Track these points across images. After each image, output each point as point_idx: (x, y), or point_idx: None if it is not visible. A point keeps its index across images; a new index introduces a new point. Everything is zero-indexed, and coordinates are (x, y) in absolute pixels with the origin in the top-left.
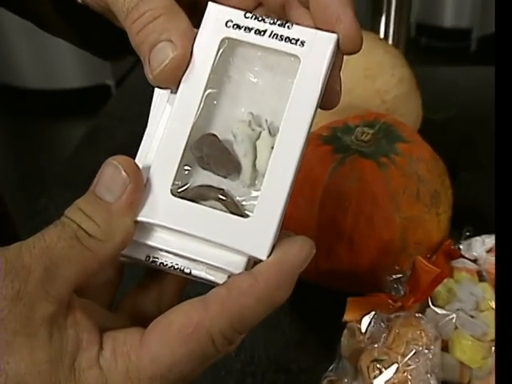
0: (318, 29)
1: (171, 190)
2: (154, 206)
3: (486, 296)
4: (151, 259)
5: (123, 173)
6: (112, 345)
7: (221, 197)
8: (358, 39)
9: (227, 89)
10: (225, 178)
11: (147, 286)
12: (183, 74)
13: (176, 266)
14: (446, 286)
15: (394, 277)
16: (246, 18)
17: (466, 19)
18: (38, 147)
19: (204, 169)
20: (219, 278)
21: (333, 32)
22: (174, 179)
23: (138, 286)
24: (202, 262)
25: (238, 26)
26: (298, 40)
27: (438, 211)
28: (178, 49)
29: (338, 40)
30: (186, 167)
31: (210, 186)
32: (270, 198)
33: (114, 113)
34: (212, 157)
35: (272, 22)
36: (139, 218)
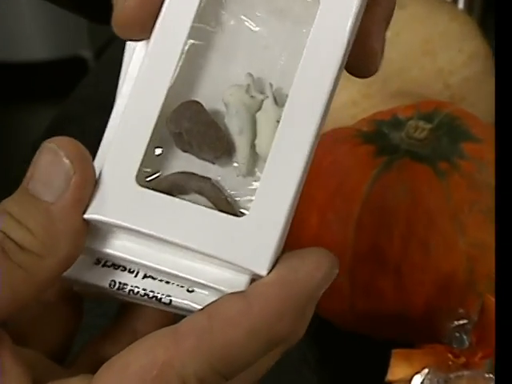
0: None
1: (136, 178)
2: (110, 200)
3: None
4: (116, 285)
5: (65, 160)
6: None
7: (205, 188)
8: None
9: (217, 41)
10: (212, 163)
11: (117, 330)
12: (157, 19)
13: (151, 294)
14: None
15: (456, 323)
16: None
17: None
18: None
19: (183, 150)
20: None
21: None
22: (141, 164)
23: (103, 333)
24: (184, 280)
25: None
26: None
27: None
28: None
29: None
30: (159, 148)
31: (192, 174)
32: (272, 190)
33: (87, 96)
34: (195, 133)
35: None
36: (87, 216)
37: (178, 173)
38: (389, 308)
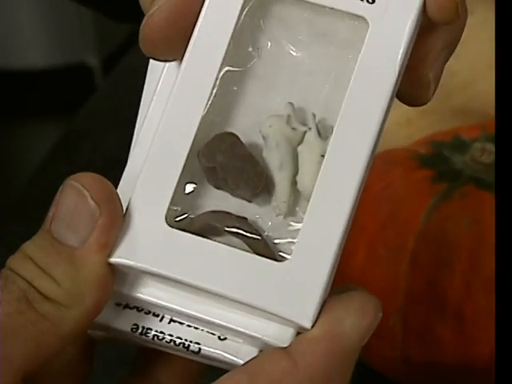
0: None
1: (166, 218)
2: (137, 242)
3: None
4: (139, 329)
5: (90, 201)
6: None
7: (242, 230)
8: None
9: (255, 67)
10: (249, 201)
11: (139, 378)
12: (189, 42)
13: (178, 341)
14: None
15: None
16: None
17: None
18: None
19: (217, 187)
20: (244, 357)
21: None
22: (171, 203)
23: (123, 381)
24: (215, 327)
25: None
26: None
27: None
28: None
29: None
30: (190, 184)
31: (226, 213)
32: (317, 233)
33: (99, 110)
34: (230, 168)
35: None
36: (113, 260)
37: (211, 212)
38: (448, 357)
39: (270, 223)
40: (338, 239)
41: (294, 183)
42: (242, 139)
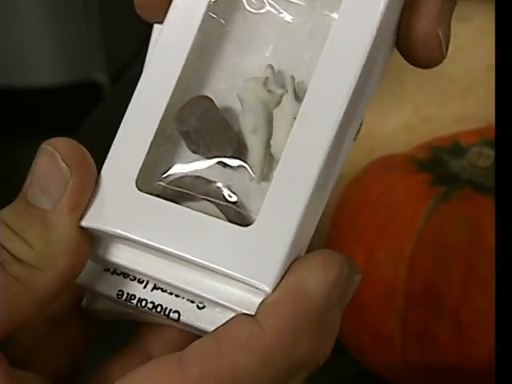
0: None
1: (137, 182)
2: (108, 206)
3: None
4: (124, 296)
5: (61, 163)
6: None
7: (213, 196)
8: None
9: (236, 28)
10: (223, 165)
11: (130, 354)
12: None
13: (159, 308)
14: None
15: None
16: None
17: None
18: None
19: (193, 151)
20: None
21: None
22: (144, 166)
23: (115, 356)
24: (194, 296)
25: None
26: None
27: None
28: None
29: None
30: (163, 147)
31: (199, 178)
32: (283, 196)
33: (105, 120)
34: (202, 133)
35: None
36: (83, 223)
37: (185, 176)
38: (446, 359)
39: (243, 188)
40: (305, 201)
41: (268, 147)
42: (218, 103)
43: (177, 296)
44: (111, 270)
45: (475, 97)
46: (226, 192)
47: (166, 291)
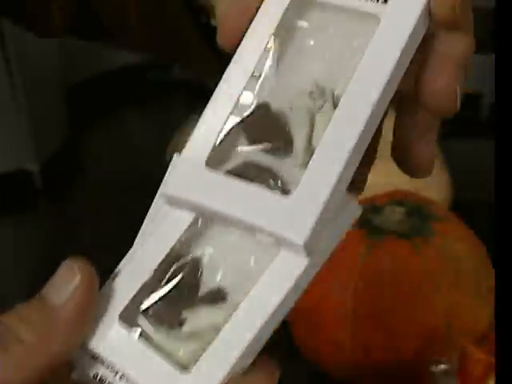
0: None
1: (206, 161)
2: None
3: None
4: (98, 377)
5: (77, 272)
6: None
7: (265, 179)
8: (448, 4)
9: (290, 53)
10: (273, 155)
11: None
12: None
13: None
14: None
15: (442, 367)
16: None
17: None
18: None
19: (251, 142)
20: None
21: None
22: (213, 149)
23: None
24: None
25: None
26: None
27: (481, 294)
28: None
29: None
30: (233, 136)
31: (254, 164)
32: (317, 174)
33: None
34: (256, 126)
35: None
36: (165, 191)
37: (243, 163)
38: (382, 359)
39: (288, 173)
40: (334, 179)
41: (310, 141)
42: (274, 109)
43: None
44: (96, 356)
45: (378, 168)
46: (275, 176)
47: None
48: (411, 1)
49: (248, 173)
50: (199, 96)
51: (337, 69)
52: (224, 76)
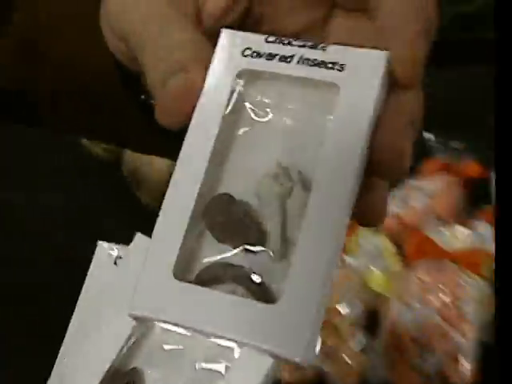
0: (365, 47)
1: (173, 271)
2: (149, 295)
3: None
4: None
5: None
6: None
7: (242, 278)
8: (410, 64)
9: (246, 134)
10: (245, 251)
11: None
12: (192, 117)
13: None
14: None
15: None
16: (267, 42)
17: None
18: None
19: (219, 241)
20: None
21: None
22: (179, 257)
23: None
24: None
25: (259, 54)
26: (336, 63)
27: None
28: (191, 73)
29: (389, 60)
30: (194, 240)
31: (228, 264)
32: (303, 275)
33: None
34: (228, 225)
35: (302, 44)
36: (132, 312)
37: (215, 264)
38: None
39: (266, 269)
40: (322, 278)
41: (285, 232)
42: (236, 198)
43: None
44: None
45: None
46: (251, 274)
47: None
48: (370, 65)
49: (221, 275)
50: None
51: (298, 145)
52: (172, 180)
